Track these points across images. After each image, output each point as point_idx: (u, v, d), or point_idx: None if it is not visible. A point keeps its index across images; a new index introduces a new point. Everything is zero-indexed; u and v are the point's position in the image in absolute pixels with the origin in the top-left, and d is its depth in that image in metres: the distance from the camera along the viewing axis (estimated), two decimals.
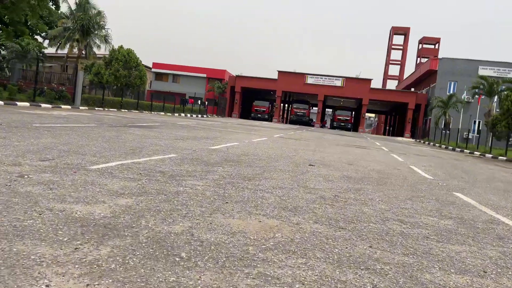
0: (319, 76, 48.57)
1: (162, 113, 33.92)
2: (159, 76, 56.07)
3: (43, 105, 19.76)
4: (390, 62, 76.89)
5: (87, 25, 25.44)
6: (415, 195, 5.75)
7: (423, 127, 46.68)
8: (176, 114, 35.37)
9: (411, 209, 4.62)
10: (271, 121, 50.64)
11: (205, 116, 41.60)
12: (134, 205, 3.33)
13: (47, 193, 3.38)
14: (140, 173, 4.93)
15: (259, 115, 50.53)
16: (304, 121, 50.22)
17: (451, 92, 43.53)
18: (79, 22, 25.23)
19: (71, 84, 30.10)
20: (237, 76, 51.11)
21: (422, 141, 39.31)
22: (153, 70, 55.08)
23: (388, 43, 78.50)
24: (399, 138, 43.94)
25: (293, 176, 6.20)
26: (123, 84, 37.00)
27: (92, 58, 39.99)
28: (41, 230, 2.45)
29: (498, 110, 30.68)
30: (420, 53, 73.63)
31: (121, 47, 37.19)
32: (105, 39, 29.20)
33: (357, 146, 17.81)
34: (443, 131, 38.44)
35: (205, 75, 54.28)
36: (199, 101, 43.30)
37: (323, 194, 4.91)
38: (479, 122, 42.59)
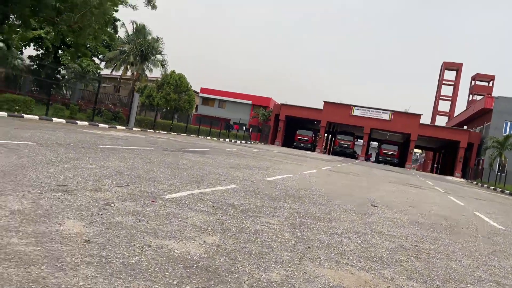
0: (366, 109, 47.91)
1: (209, 137, 34.51)
2: (205, 101, 57.51)
3: (100, 124, 20.68)
4: (441, 97, 74.79)
5: (146, 50, 26.79)
6: (496, 249, 5.36)
7: (475, 167, 44.52)
8: (222, 139, 35.89)
9: (500, 267, 4.28)
10: (314, 151, 50.19)
11: (248, 142, 41.93)
12: (222, 245, 3.29)
13: (138, 225, 3.41)
14: (213, 206, 4.92)
15: (302, 144, 50.29)
16: (348, 153, 49.38)
17: (507, 132, 41.46)
18: (138, 48, 26.61)
19: (122, 105, 31.47)
20: (282, 105, 51.43)
21: (474, 182, 37.38)
22: (200, 94, 56.64)
23: (439, 78, 76.63)
24: (449, 178, 42.07)
25: (361, 218, 5.98)
26: (173, 107, 38.24)
27: (144, 81, 41.79)
28: (149, 270, 2.44)
29: None
30: (473, 90, 71.24)
31: (173, 71, 38.65)
32: (162, 64, 30.51)
33: (411, 185, 17.16)
34: (498, 173, 36.44)
35: (250, 102, 55.08)
36: (244, 127, 43.80)
37: (401, 242, 4.67)
38: None
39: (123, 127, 22.71)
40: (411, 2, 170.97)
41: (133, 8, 24.54)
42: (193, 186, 6.25)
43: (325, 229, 4.69)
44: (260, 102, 54.30)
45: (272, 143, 51.15)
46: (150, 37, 33.43)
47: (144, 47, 26.57)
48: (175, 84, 38.41)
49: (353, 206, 7.20)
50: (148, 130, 25.71)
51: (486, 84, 71.24)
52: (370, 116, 47.65)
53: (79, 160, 7.02)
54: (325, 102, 49.43)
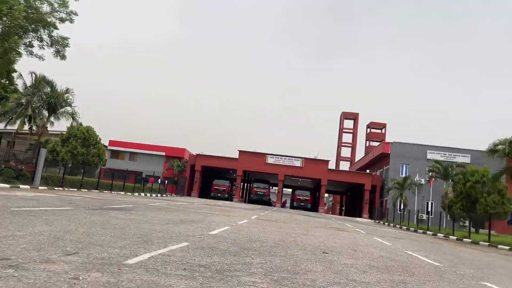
0: (279, 156, 49.67)
1: (122, 192, 32.49)
2: (115, 154, 54.70)
3: (1, 184, 18.29)
4: (342, 144, 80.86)
5: (55, 101, 24.67)
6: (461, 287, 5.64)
7: (380, 208, 48.05)
8: (136, 194, 34.00)
9: None
10: (231, 200, 50.03)
11: (164, 195, 40.34)
12: None
13: None
14: (184, 268, 4.46)
15: (218, 194, 49.87)
16: (264, 201, 50.08)
17: (404, 174, 45.91)
18: (46, 100, 24.42)
19: (18, 161, 28.31)
20: (198, 155, 51.06)
21: (381, 222, 40.09)
22: (109, 147, 53.78)
23: (340, 126, 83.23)
24: (359, 219, 44.64)
25: (327, 267, 5.92)
26: (80, 162, 35.56)
27: (46, 135, 38.44)
28: None
29: (452, 192, 32.42)
30: (369, 137, 78.43)
31: (80, 124, 36.32)
32: (73, 117, 28.41)
33: (335, 228, 17.78)
34: (400, 212, 39.74)
35: (164, 154, 53.72)
36: (159, 180, 42.27)
37: None
38: (431, 203, 44.71)
39: (28, 186, 20.33)
40: (307, 54, 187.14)
41: (39, 58, 22.96)
42: (146, 248, 5.67)
43: (309, 282, 4.50)
44: (174, 153, 53.21)
45: (189, 194, 49.91)
46: (64, 88, 30.85)
47: (53, 98, 24.45)
48: (83, 137, 36.05)
49: (309, 254, 7.13)
50: (56, 188, 23.35)
51: (379, 131, 79.04)
52: (284, 164, 49.43)
53: (2, 226, 5.98)
54: (240, 151, 50.25)
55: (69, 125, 35.44)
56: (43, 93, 25.12)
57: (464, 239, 22.25)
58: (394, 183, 40.58)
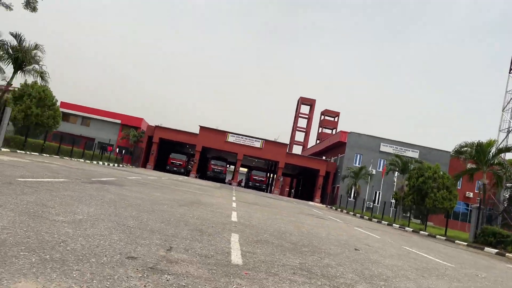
0: (240, 136, 49.57)
1: (82, 160, 30.92)
2: (66, 117, 51.50)
3: None
4: (297, 128, 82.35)
5: (23, 57, 22.18)
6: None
7: (331, 194, 49.91)
8: (95, 162, 32.52)
9: None
10: (187, 175, 49.44)
11: (121, 165, 39.00)
12: None
13: None
14: (293, 273, 4.36)
15: (174, 168, 49.03)
16: (220, 178, 50.10)
17: (358, 163, 47.89)
18: (14, 54, 21.89)
19: None
20: (157, 127, 49.55)
21: (333, 208, 41.72)
22: (60, 109, 50.52)
23: (296, 111, 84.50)
24: (311, 203, 46.09)
25: (395, 272, 6.08)
26: (33, 123, 33.22)
27: None
28: None
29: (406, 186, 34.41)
30: (322, 124, 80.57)
31: (35, 82, 33.71)
32: (41, 76, 25.95)
33: (312, 215, 18.34)
34: (353, 200, 41.63)
35: (119, 121, 51.52)
36: (117, 149, 40.66)
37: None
38: (380, 193, 47.26)
39: None
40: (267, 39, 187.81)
41: (7, 8, 20.80)
42: (216, 240, 5.46)
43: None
44: (130, 122, 51.21)
45: (144, 166, 48.53)
46: (33, 44, 27.31)
47: (20, 53, 21.95)
48: (38, 97, 33.52)
49: (351, 252, 7.26)
50: (18, 151, 21.65)
51: (332, 119, 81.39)
52: (244, 143, 49.46)
53: (46, 206, 5.45)
54: (201, 127, 49.46)
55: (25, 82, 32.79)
56: (9, 46, 22.70)
57: (421, 232, 23.73)
58: (350, 172, 42.17)
